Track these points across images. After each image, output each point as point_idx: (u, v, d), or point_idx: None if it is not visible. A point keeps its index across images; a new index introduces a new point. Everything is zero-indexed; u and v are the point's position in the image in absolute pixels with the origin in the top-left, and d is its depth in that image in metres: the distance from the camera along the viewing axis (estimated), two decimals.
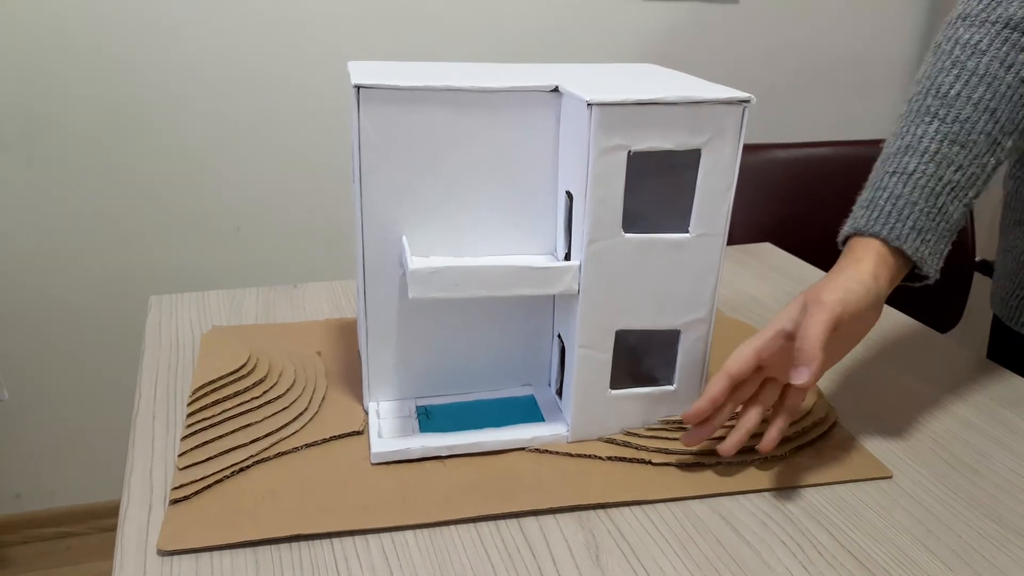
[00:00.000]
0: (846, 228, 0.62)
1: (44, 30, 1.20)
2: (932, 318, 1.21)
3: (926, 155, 0.60)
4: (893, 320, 0.85)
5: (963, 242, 1.24)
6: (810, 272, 0.98)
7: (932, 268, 0.60)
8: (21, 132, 1.25)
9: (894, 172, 0.61)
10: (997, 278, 0.84)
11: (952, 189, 0.60)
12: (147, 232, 1.36)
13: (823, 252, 1.07)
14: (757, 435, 0.58)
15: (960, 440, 0.64)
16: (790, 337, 0.57)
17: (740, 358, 0.57)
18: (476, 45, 1.39)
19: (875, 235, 0.59)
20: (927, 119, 0.61)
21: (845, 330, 0.57)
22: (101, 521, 1.51)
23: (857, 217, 0.61)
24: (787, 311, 0.58)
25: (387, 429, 0.60)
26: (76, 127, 1.27)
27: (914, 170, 0.60)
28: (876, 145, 0.74)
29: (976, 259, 1.25)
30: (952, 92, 0.61)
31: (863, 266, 0.58)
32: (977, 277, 1.25)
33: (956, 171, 0.60)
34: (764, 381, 0.59)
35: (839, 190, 0.96)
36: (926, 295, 1.26)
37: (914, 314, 0.89)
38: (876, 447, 0.63)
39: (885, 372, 0.74)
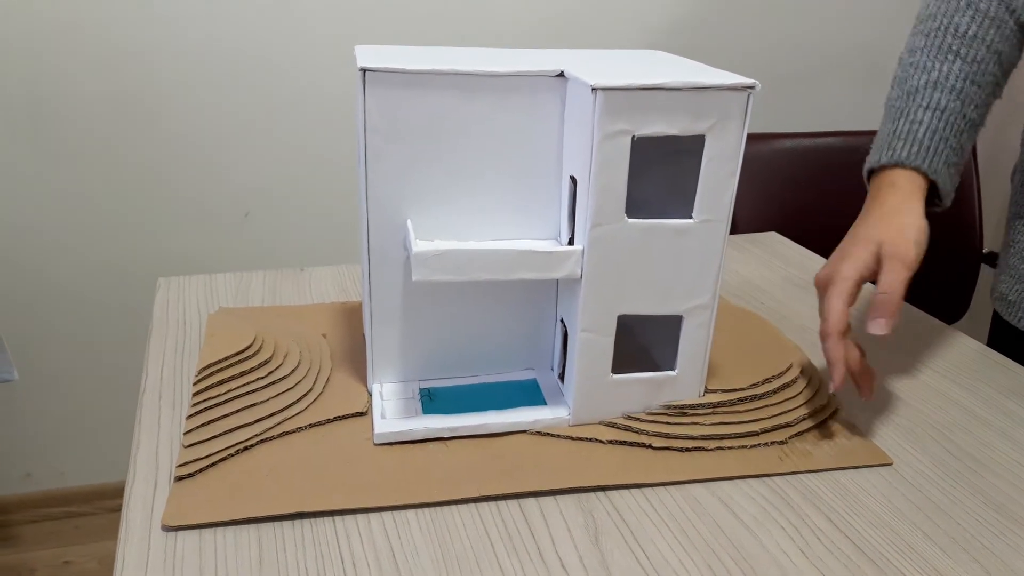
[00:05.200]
0: (884, 156, 0.66)
1: (52, 19, 1.21)
2: (939, 309, 1.21)
3: (953, 92, 0.65)
4: None
5: (970, 233, 1.24)
6: (816, 262, 0.98)
7: (950, 199, 0.67)
8: (31, 120, 1.26)
9: (927, 107, 0.66)
10: (998, 273, 0.84)
11: (971, 126, 0.66)
12: (156, 218, 1.36)
13: (829, 241, 1.07)
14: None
15: (962, 429, 0.64)
16: (861, 282, 0.61)
17: (839, 316, 0.59)
18: (483, 32, 1.39)
19: (916, 168, 0.64)
20: (950, 57, 0.66)
21: None
22: (109, 501, 1.53)
23: (897, 149, 0.66)
24: (857, 257, 0.61)
25: (390, 410, 0.60)
26: (84, 115, 1.27)
27: (945, 106, 0.65)
28: None
29: (984, 251, 1.24)
30: (969, 32, 0.65)
31: (916, 205, 0.63)
32: (984, 268, 1.24)
33: (974, 109, 0.66)
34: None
35: (846, 180, 0.96)
36: (933, 286, 1.26)
37: (921, 305, 0.89)
38: (877, 435, 0.63)
39: (888, 360, 0.74)
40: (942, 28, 0.67)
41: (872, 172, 0.69)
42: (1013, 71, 0.71)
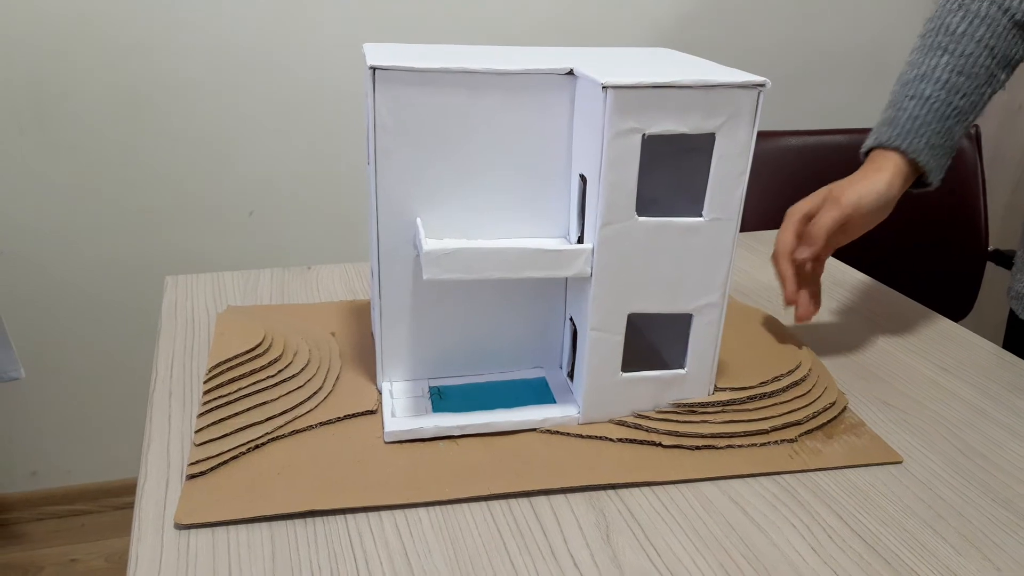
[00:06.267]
0: (870, 141, 0.73)
1: (58, 15, 1.21)
2: (945, 306, 1.21)
3: (938, 83, 0.71)
4: (906, 307, 0.85)
5: (976, 231, 1.23)
6: None
7: (937, 178, 0.72)
8: (37, 117, 1.26)
9: (912, 96, 0.72)
10: (1015, 272, 0.84)
11: (958, 113, 0.71)
12: (162, 215, 1.37)
13: None
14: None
15: (972, 427, 0.64)
16: (811, 218, 0.70)
17: (785, 243, 0.70)
18: (491, 30, 1.39)
19: (896, 148, 0.70)
20: (938, 53, 0.72)
21: (853, 224, 0.69)
22: (115, 499, 1.53)
23: (881, 133, 0.72)
24: (812, 198, 0.71)
25: (400, 409, 0.60)
26: (91, 112, 1.27)
27: (929, 95, 0.71)
28: None
29: (989, 248, 1.24)
30: (959, 30, 0.71)
31: (882, 175, 0.70)
32: (989, 266, 1.24)
33: (962, 98, 0.71)
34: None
35: None
36: (939, 283, 1.26)
37: (927, 302, 0.89)
38: (887, 433, 0.63)
39: (897, 358, 0.74)
40: (935, 28, 0.73)
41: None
42: (1020, 66, 0.74)
